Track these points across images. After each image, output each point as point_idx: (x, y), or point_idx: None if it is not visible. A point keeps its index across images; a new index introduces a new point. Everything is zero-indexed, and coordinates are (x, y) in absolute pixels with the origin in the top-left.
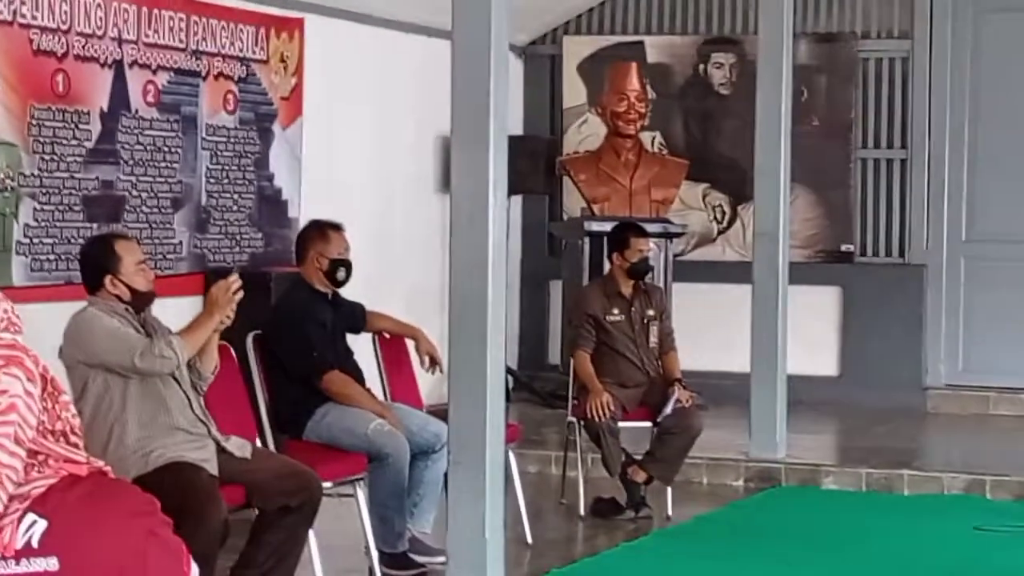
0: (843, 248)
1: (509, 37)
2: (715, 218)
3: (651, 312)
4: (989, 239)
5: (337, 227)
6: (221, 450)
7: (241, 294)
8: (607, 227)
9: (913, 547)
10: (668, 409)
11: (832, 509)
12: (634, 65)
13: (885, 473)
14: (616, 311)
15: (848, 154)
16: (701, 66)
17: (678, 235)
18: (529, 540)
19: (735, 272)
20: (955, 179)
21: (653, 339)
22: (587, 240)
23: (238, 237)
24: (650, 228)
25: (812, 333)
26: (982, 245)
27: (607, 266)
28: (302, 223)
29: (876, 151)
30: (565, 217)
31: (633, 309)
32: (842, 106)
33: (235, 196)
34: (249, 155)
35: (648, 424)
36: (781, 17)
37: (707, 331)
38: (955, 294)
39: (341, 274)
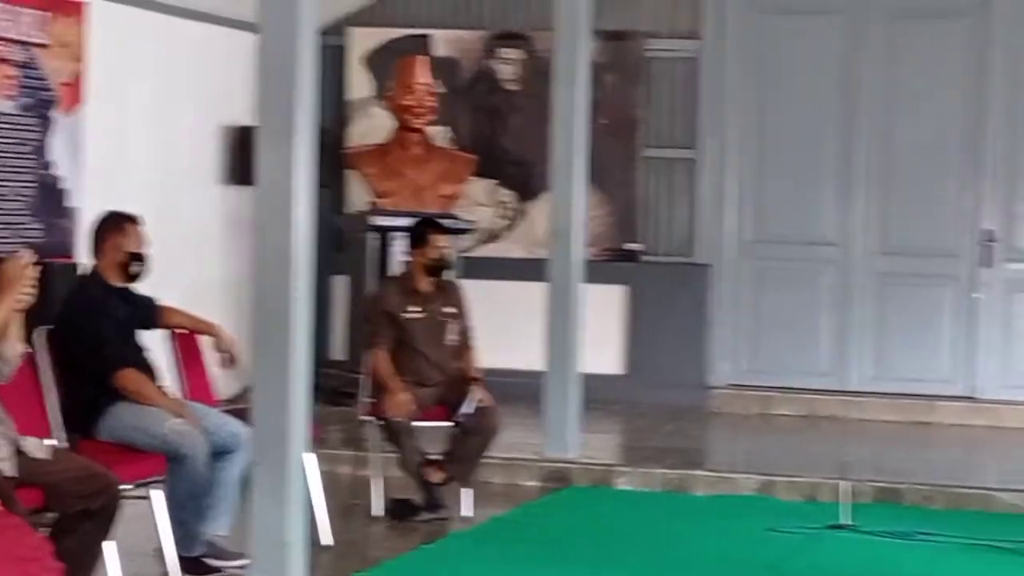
0: (629, 247)
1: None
2: (503, 215)
3: (449, 309)
4: (774, 240)
5: (134, 220)
6: (19, 451)
7: (36, 269)
8: (394, 222)
9: (708, 548)
10: (467, 408)
11: (627, 510)
12: (423, 59)
13: (679, 474)
14: (414, 308)
15: (635, 153)
16: (488, 61)
17: (466, 231)
18: (327, 542)
19: (523, 269)
20: (741, 179)
21: (451, 337)
22: (373, 235)
23: (16, 227)
24: None
25: (598, 332)
26: (767, 245)
27: (393, 261)
28: (83, 213)
29: (663, 150)
30: (350, 211)
31: (431, 306)
32: (629, 105)
33: (13, 185)
34: (29, 143)
35: (446, 423)
36: (577, 13)
37: (494, 329)
38: (739, 294)
39: (137, 268)
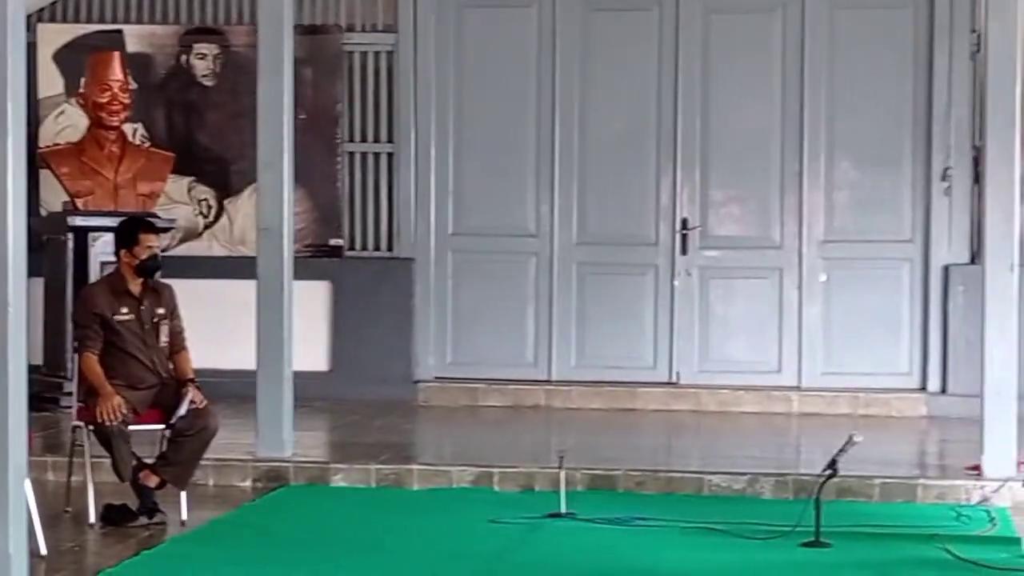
0: (332, 243)
1: None
2: (201, 212)
3: (161, 311)
4: (475, 232)
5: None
6: None
7: None
8: (92, 222)
9: (430, 542)
10: (182, 410)
11: (345, 507)
12: (116, 55)
13: (394, 469)
14: (125, 310)
15: (335, 148)
16: (183, 56)
17: (166, 230)
18: (43, 551)
19: (225, 267)
20: (441, 173)
21: (164, 338)
22: (71, 236)
23: None
24: None
25: (302, 328)
26: (469, 238)
27: (94, 262)
28: None
29: (363, 145)
30: (44, 212)
31: (142, 308)
32: (328, 100)
33: None
34: None
35: (161, 426)
36: (280, 7)
37: (201, 329)
38: (443, 287)
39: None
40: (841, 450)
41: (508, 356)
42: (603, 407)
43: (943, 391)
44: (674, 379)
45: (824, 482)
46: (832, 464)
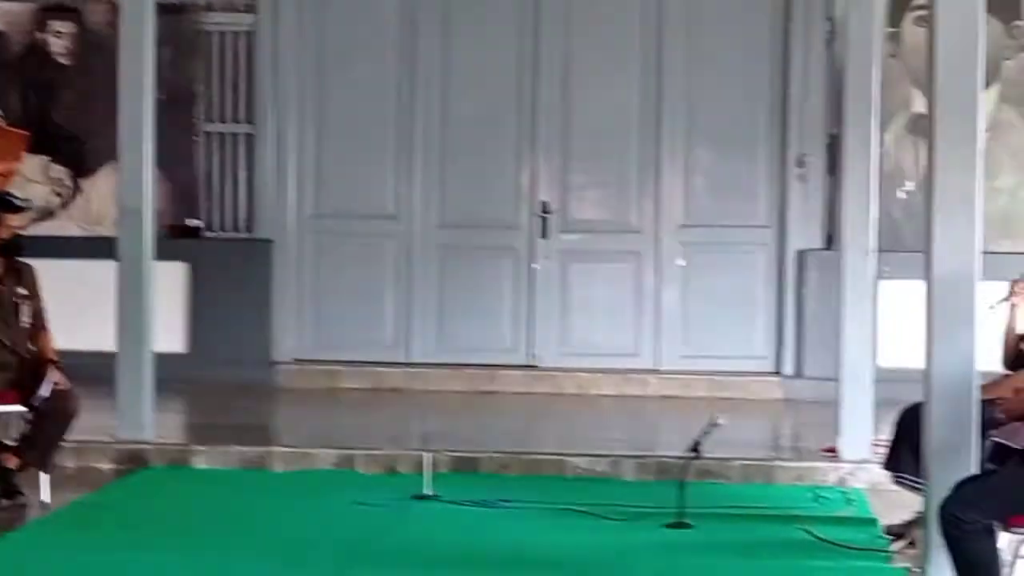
0: (189, 223)
1: None
2: (57, 192)
3: (22, 290)
4: (335, 214)
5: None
6: None
7: None
8: None
9: (296, 525)
10: (43, 391)
11: (208, 489)
12: None
13: (257, 451)
14: None
15: (193, 128)
16: (39, 34)
17: (22, 210)
18: None
19: (81, 247)
20: (301, 154)
21: (25, 319)
22: None
23: None
24: None
25: (159, 310)
26: (328, 220)
27: None
28: None
29: (222, 125)
30: None
31: (3, 288)
32: (186, 80)
33: None
34: None
35: (21, 408)
36: None
37: (51, 309)
38: (302, 269)
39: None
40: (705, 432)
41: (368, 338)
42: (462, 389)
43: (797, 374)
44: (533, 362)
45: (688, 464)
46: (696, 446)
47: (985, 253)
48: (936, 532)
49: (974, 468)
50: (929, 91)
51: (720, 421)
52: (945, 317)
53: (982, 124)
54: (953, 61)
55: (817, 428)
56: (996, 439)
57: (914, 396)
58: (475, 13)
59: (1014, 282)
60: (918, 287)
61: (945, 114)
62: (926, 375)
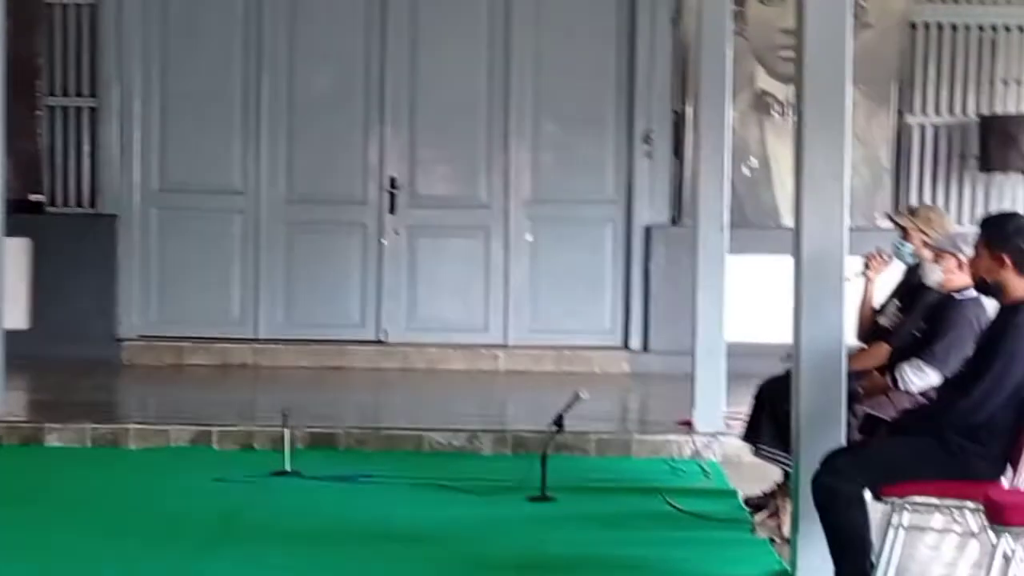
0: (32, 198)
1: None
2: None
3: None
4: (181, 189)
5: None
6: None
7: None
8: None
9: (156, 502)
10: None
11: (64, 468)
12: None
13: (110, 428)
14: None
15: (35, 102)
16: None
17: None
18: None
19: None
20: (146, 128)
21: None
22: None
23: None
24: None
25: (2, 286)
26: (174, 195)
27: None
28: None
29: (65, 99)
30: None
31: None
32: (28, 53)
33: None
34: None
35: None
36: None
37: None
38: (147, 245)
39: None
40: (568, 407)
41: (214, 314)
42: (311, 365)
43: (644, 349)
44: (382, 337)
45: (551, 438)
46: (559, 420)
47: None
48: (805, 503)
49: (843, 439)
50: (797, 72)
51: (583, 395)
52: (814, 292)
53: (849, 104)
54: (820, 44)
55: (667, 401)
56: (867, 410)
57: (757, 369)
58: None
59: (868, 256)
60: (761, 262)
61: (813, 94)
62: (795, 349)
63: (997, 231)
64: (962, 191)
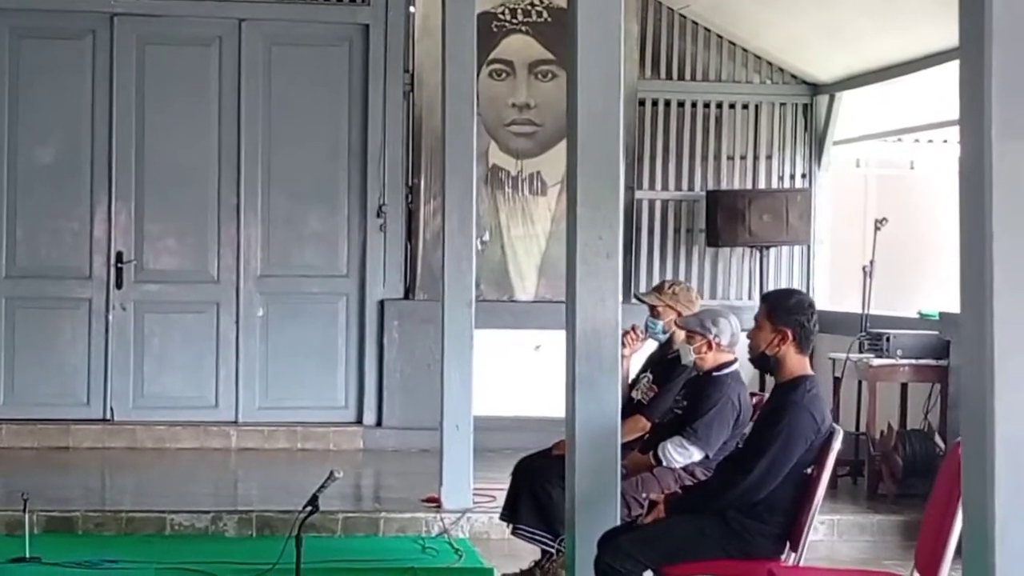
0: None
1: None
2: None
3: None
4: None
5: None
6: None
7: None
8: None
9: None
10: None
11: None
12: None
13: None
14: None
15: None
16: None
17: None
18: None
19: None
20: None
21: None
22: None
23: None
24: None
25: None
26: None
27: None
28: None
29: None
30: None
31: None
32: None
33: None
34: None
35: None
36: None
37: None
38: None
39: None
40: (322, 486)
41: None
42: (35, 445)
43: (378, 424)
44: (109, 416)
45: (305, 518)
46: (313, 500)
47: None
48: None
49: (618, 518)
50: (569, 149)
51: (338, 474)
52: (588, 369)
53: (622, 177)
54: (592, 120)
55: (408, 478)
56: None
57: (496, 443)
58: (46, 56)
59: (624, 332)
60: (497, 336)
61: (585, 171)
62: (568, 426)
63: (780, 305)
64: (690, 265)
